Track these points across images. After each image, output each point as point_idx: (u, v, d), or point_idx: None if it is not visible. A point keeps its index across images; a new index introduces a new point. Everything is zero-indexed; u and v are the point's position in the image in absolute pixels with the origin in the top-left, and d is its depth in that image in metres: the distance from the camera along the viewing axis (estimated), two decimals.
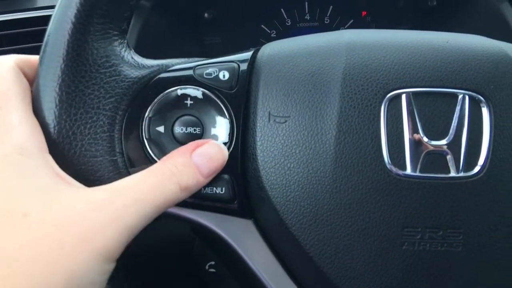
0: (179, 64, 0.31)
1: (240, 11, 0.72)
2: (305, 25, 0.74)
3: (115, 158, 0.28)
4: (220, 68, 0.31)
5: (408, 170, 0.28)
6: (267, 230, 0.30)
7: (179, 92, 0.30)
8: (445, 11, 0.67)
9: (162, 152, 0.29)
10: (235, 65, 0.31)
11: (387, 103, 0.28)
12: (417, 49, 0.30)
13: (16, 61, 0.29)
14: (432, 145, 0.28)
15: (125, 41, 0.30)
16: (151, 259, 0.28)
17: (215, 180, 0.29)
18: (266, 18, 0.73)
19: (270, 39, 0.76)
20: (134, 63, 0.30)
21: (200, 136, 0.30)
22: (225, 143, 0.30)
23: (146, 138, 0.29)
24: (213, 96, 0.30)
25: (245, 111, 0.30)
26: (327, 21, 0.74)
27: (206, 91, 0.30)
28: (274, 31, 0.74)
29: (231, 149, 0.30)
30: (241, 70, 0.31)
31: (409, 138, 0.28)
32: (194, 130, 0.30)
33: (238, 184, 0.29)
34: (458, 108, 0.28)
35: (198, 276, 0.37)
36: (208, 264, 0.36)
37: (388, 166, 0.28)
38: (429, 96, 0.28)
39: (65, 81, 0.27)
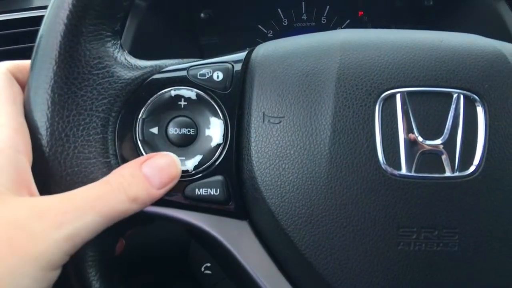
0: (173, 65, 0.31)
1: (236, 11, 0.72)
2: (302, 25, 0.74)
3: (108, 160, 0.28)
4: (214, 68, 0.30)
5: (403, 170, 0.28)
6: (262, 231, 0.30)
7: (173, 93, 0.30)
8: (441, 11, 0.67)
9: None
10: (229, 65, 0.31)
11: (381, 103, 0.28)
12: (412, 48, 0.30)
13: (8, 67, 0.29)
14: (427, 145, 0.28)
15: (119, 42, 0.30)
16: (147, 261, 0.28)
17: (210, 181, 0.29)
18: (263, 18, 0.73)
19: (267, 39, 0.76)
20: (128, 64, 0.30)
21: (194, 137, 0.30)
22: (219, 144, 0.29)
23: (139, 140, 0.29)
24: (207, 97, 0.30)
25: (239, 112, 0.30)
26: (324, 21, 0.74)
27: (200, 92, 0.30)
28: (271, 31, 0.74)
29: (225, 150, 0.30)
30: (235, 71, 0.31)
31: (404, 138, 0.28)
32: (188, 131, 0.29)
33: (232, 185, 0.29)
34: (453, 107, 0.28)
35: (194, 278, 0.37)
36: (204, 266, 0.36)
37: (383, 166, 0.28)
38: (423, 95, 0.28)
39: (57, 83, 0.27)
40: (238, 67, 0.31)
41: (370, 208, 0.28)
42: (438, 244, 0.27)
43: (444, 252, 0.28)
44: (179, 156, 0.29)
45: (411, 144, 0.28)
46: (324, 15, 0.74)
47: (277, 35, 0.74)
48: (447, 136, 0.28)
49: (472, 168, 0.28)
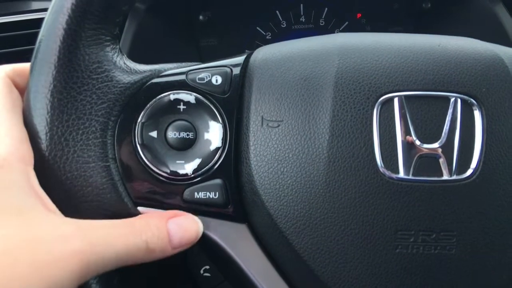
0: (172, 69, 0.31)
1: (235, 13, 0.72)
2: (300, 27, 0.74)
3: (107, 164, 0.28)
4: (212, 72, 0.30)
5: (401, 174, 0.28)
6: (261, 235, 0.30)
7: (172, 97, 0.30)
8: (439, 13, 0.67)
9: (155, 157, 0.29)
10: (228, 69, 0.31)
11: (379, 106, 0.28)
12: (409, 52, 0.30)
13: (7, 71, 0.29)
14: (425, 149, 0.28)
15: (118, 46, 0.30)
16: (146, 264, 0.28)
17: (209, 184, 0.29)
18: (262, 21, 0.73)
19: (265, 41, 0.76)
20: (127, 69, 0.30)
21: (193, 141, 0.30)
22: (218, 148, 0.30)
23: (139, 144, 0.29)
24: (206, 101, 0.30)
25: (238, 116, 0.30)
26: (322, 23, 0.74)
27: (199, 96, 0.30)
28: (270, 33, 0.74)
29: (224, 153, 0.30)
30: (234, 75, 0.31)
31: (402, 142, 0.28)
32: (187, 135, 0.30)
33: (231, 189, 0.29)
34: (450, 111, 0.28)
35: (193, 281, 0.37)
36: (203, 269, 0.36)
37: (381, 169, 0.28)
38: (421, 99, 0.29)
39: (56, 87, 0.27)
40: (236, 71, 0.31)
41: (368, 211, 0.28)
42: (436, 247, 0.28)
43: (442, 255, 0.28)
44: (178, 159, 0.29)
45: (409, 148, 0.28)
46: (323, 17, 0.74)
47: (276, 37, 0.74)
48: (444, 139, 0.28)
49: (469, 172, 0.28)
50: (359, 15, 0.74)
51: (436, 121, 0.28)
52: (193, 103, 0.30)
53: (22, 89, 0.29)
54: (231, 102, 0.30)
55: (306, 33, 0.74)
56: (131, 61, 0.31)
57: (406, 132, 0.28)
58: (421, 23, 0.70)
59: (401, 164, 0.28)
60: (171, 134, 0.29)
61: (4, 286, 0.22)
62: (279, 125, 0.29)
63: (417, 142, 0.28)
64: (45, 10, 0.63)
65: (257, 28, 0.74)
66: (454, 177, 0.28)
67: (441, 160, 0.28)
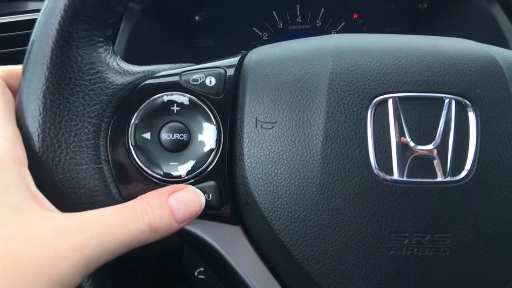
0: (166, 70, 0.31)
1: (231, 13, 0.72)
2: (296, 27, 0.74)
3: (100, 165, 0.28)
4: (206, 74, 0.30)
5: (395, 175, 0.28)
6: (255, 236, 0.30)
7: (165, 98, 0.30)
8: (435, 14, 0.67)
9: (148, 159, 0.29)
10: (222, 70, 0.31)
11: (373, 108, 0.28)
12: (404, 53, 0.30)
13: (0, 73, 0.28)
14: (419, 150, 0.28)
15: (111, 47, 0.30)
16: (140, 266, 0.28)
17: (203, 186, 0.29)
18: (258, 21, 0.73)
19: (262, 42, 0.76)
20: (120, 70, 0.30)
21: (187, 143, 0.30)
22: (212, 149, 0.29)
23: (132, 145, 0.29)
24: (199, 102, 0.30)
25: (232, 117, 0.30)
26: (318, 23, 0.74)
27: (193, 97, 0.30)
28: (266, 34, 0.74)
29: (218, 155, 0.30)
30: (228, 76, 0.31)
31: (396, 143, 0.28)
32: (181, 136, 0.29)
33: (225, 191, 0.29)
34: (444, 112, 0.28)
35: (188, 283, 0.37)
36: (198, 271, 0.36)
37: (375, 171, 0.28)
38: (415, 100, 0.28)
39: (49, 88, 0.27)
40: (230, 72, 0.31)
41: (362, 213, 0.28)
42: (430, 249, 0.28)
43: (436, 256, 0.28)
44: (171, 161, 0.29)
45: (403, 149, 0.28)
46: (319, 18, 0.74)
47: (272, 38, 0.74)
48: (439, 141, 0.28)
49: (463, 173, 0.28)
50: (355, 16, 0.74)
51: (430, 123, 0.28)
52: (187, 105, 0.30)
53: (15, 90, 0.29)
54: (225, 103, 0.30)
55: (303, 33, 0.74)
56: (125, 62, 0.31)
57: (400, 133, 0.28)
58: (418, 23, 0.70)
59: (395, 166, 0.28)
60: (165, 135, 0.29)
61: (7, 284, 0.22)
62: (273, 127, 0.29)
63: (411, 144, 0.28)
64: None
65: (254, 28, 0.74)
66: (448, 178, 0.28)
67: (435, 162, 0.28)
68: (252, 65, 0.31)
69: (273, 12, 0.73)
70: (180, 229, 0.28)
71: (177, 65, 0.32)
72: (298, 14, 0.74)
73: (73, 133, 0.28)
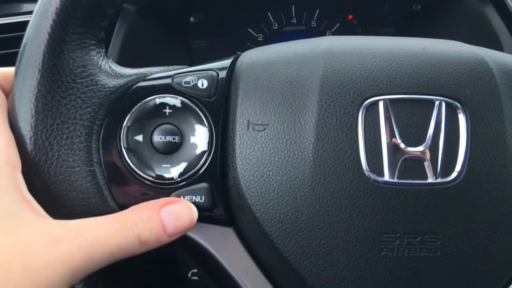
0: (158, 73, 0.31)
1: (226, 15, 0.72)
2: (292, 28, 0.74)
3: (92, 168, 0.28)
4: (198, 76, 0.30)
5: (386, 177, 0.28)
6: (248, 238, 0.30)
7: (158, 101, 0.30)
8: (429, 15, 0.67)
9: (141, 161, 0.29)
10: (214, 73, 0.31)
11: (364, 110, 0.29)
12: (395, 55, 0.30)
13: None
14: (410, 152, 0.28)
15: (103, 50, 0.30)
16: (132, 267, 0.28)
17: (195, 188, 0.29)
18: (253, 22, 0.73)
19: (257, 43, 0.76)
20: (112, 72, 0.30)
21: (179, 145, 0.30)
22: (204, 151, 0.30)
23: (124, 148, 0.29)
24: (191, 105, 0.30)
25: (224, 119, 0.30)
26: (313, 24, 0.74)
27: (185, 100, 0.30)
28: (261, 35, 0.74)
29: (210, 157, 0.30)
30: (220, 78, 0.31)
31: (387, 145, 0.28)
32: (173, 138, 0.30)
33: (217, 192, 0.29)
34: (435, 114, 0.29)
35: (181, 284, 0.37)
36: (191, 272, 0.36)
37: (366, 173, 0.28)
38: (406, 103, 0.29)
39: (41, 91, 0.27)
40: (223, 74, 0.31)
41: (354, 214, 0.28)
42: (421, 250, 0.28)
43: (427, 257, 0.28)
44: (164, 163, 0.29)
45: (394, 151, 0.28)
46: (314, 19, 0.74)
47: (267, 39, 0.74)
48: (429, 142, 0.28)
49: (454, 175, 0.28)
50: (350, 17, 0.74)
51: (421, 124, 0.28)
52: (179, 107, 0.30)
53: (8, 92, 0.29)
54: (217, 105, 0.30)
55: (298, 34, 0.74)
56: (117, 65, 0.31)
57: (391, 135, 0.28)
58: (412, 24, 0.70)
59: (386, 167, 0.28)
60: (157, 138, 0.29)
61: None
62: (265, 129, 0.29)
63: (402, 145, 0.28)
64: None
65: (249, 29, 0.74)
66: (439, 180, 0.28)
67: (426, 163, 0.28)
68: (244, 68, 0.31)
69: (268, 13, 0.74)
70: (169, 242, 0.28)
71: (170, 67, 0.32)
72: (293, 15, 0.74)
73: (65, 136, 0.28)
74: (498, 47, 0.61)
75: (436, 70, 0.29)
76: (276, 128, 0.29)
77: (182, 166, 0.29)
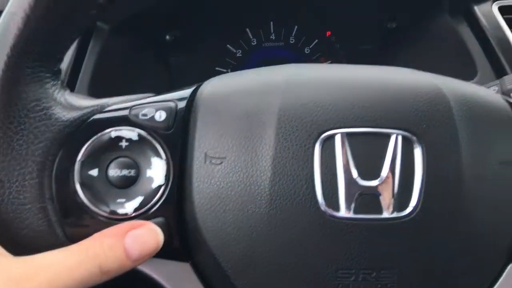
0: (115, 104, 0.31)
1: (205, 31, 0.72)
2: (270, 44, 0.74)
3: (44, 205, 0.28)
4: (156, 108, 0.30)
5: (342, 212, 0.28)
6: (205, 274, 0.29)
7: (113, 134, 0.29)
8: (405, 32, 0.68)
9: (95, 196, 0.28)
10: (173, 104, 0.31)
11: (321, 143, 0.28)
12: (352, 87, 0.30)
13: None
14: (366, 186, 0.28)
15: (59, 81, 0.30)
16: None
17: (152, 222, 0.29)
18: (232, 38, 0.73)
19: (236, 59, 0.76)
20: (67, 105, 0.29)
21: (135, 178, 0.29)
22: (160, 185, 0.29)
23: (78, 183, 0.28)
24: (149, 137, 0.30)
25: (182, 152, 0.30)
26: (292, 41, 0.74)
27: (142, 132, 0.30)
28: (240, 51, 0.74)
29: (167, 191, 0.29)
30: (179, 109, 0.30)
31: (343, 179, 0.28)
32: (129, 172, 0.29)
33: (174, 227, 0.29)
34: (391, 148, 0.28)
35: None
36: None
37: (322, 207, 0.28)
38: (362, 136, 0.29)
39: None
40: (182, 104, 0.31)
41: (310, 249, 0.28)
42: (376, 286, 0.28)
43: None
44: (119, 198, 0.29)
45: (350, 185, 0.28)
46: (293, 35, 0.74)
47: (246, 55, 0.74)
48: (385, 177, 0.28)
49: (409, 209, 0.28)
50: (328, 33, 0.74)
51: (377, 158, 0.28)
52: (136, 140, 0.29)
53: None
54: (175, 138, 0.30)
55: (276, 50, 0.75)
56: (74, 97, 0.30)
57: (347, 169, 0.28)
58: (389, 41, 0.71)
59: (342, 202, 0.28)
60: (112, 172, 0.29)
61: None
62: (222, 162, 0.29)
63: (358, 180, 0.28)
64: None
65: (228, 45, 0.74)
66: (394, 214, 0.28)
67: (381, 198, 0.28)
68: (203, 98, 0.31)
69: (247, 29, 0.74)
70: (132, 267, 0.27)
71: (129, 97, 0.32)
72: (272, 32, 0.74)
73: (16, 173, 0.27)
74: (471, 64, 0.62)
75: (393, 102, 0.29)
76: (234, 161, 0.29)
77: (137, 201, 0.29)
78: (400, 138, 0.29)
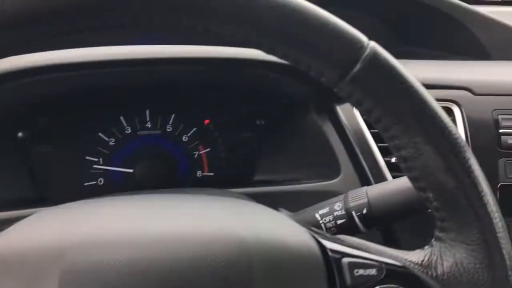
0: None
1: (74, 117, 0.68)
2: (146, 133, 0.72)
3: None
4: None
5: None
6: None
7: None
8: (273, 129, 0.69)
9: None
10: None
11: None
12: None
13: None
14: None
15: None
16: None
17: None
18: (104, 126, 0.70)
19: (108, 148, 0.71)
20: None
21: None
22: None
23: None
24: None
25: None
26: (169, 129, 0.72)
27: None
28: (113, 139, 0.70)
29: None
30: None
31: None
32: None
33: None
34: None
35: None
36: None
37: None
38: None
39: None
40: None
41: None
42: None
43: None
44: None
45: None
46: (170, 123, 0.72)
47: (120, 144, 0.70)
48: None
49: None
50: (207, 121, 0.74)
51: None
52: None
53: None
54: None
55: (153, 138, 0.72)
56: None
57: None
58: (263, 131, 0.72)
59: None
60: None
61: None
62: None
63: None
64: None
65: (99, 134, 0.70)
66: None
67: None
68: None
69: (121, 117, 0.71)
70: None
71: None
72: (148, 120, 0.72)
73: None
74: (336, 163, 0.64)
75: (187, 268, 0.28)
76: None
77: None
78: None
